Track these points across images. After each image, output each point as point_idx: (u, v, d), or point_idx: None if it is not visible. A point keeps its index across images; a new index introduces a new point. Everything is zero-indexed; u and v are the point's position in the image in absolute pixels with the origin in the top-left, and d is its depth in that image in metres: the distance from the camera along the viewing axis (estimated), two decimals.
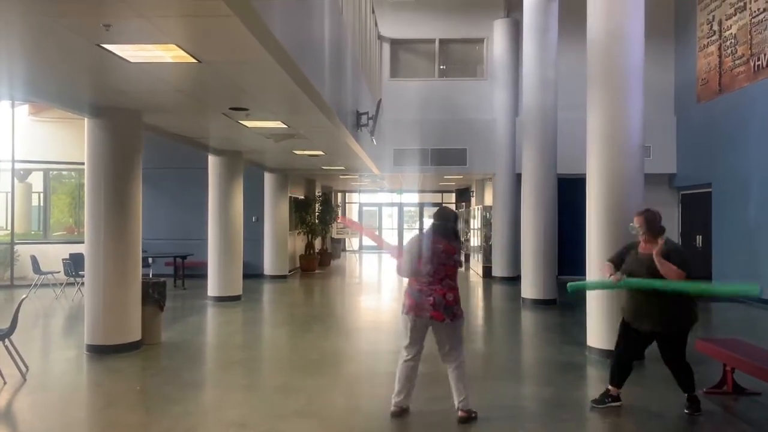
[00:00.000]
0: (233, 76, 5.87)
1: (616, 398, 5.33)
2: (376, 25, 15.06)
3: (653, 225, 5.10)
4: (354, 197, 30.11)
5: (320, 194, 21.40)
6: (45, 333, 9.27)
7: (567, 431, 4.94)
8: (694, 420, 5.09)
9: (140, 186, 7.75)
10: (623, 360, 5.31)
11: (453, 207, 28.59)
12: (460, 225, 5.49)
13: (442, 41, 16.74)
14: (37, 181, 14.78)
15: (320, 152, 11.89)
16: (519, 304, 11.56)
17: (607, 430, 5.05)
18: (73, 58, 5.25)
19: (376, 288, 15.61)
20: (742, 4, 12.56)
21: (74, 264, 11.61)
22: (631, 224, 5.28)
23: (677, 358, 5.13)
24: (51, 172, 14.83)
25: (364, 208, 30.10)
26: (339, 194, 28.43)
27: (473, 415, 4.98)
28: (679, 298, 4.95)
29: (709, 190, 13.90)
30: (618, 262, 5.35)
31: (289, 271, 16.68)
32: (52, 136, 14.04)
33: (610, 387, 5.36)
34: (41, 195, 14.73)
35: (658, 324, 5.02)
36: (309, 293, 14.18)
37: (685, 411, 5.15)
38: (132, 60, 5.15)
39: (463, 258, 5.13)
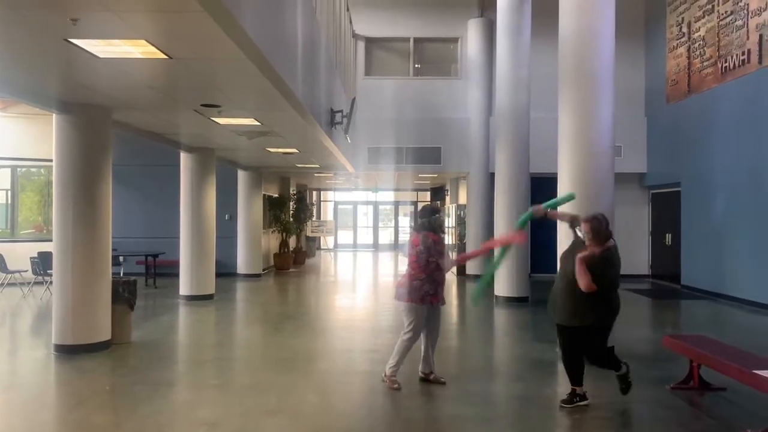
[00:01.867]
0: (205, 73, 5.82)
1: (583, 397, 5.37)
2: (350, 22, 15.04)
3: (599, 233, 5.16)
4: (329, 195, 30.06)
5: (295, 192, 21.32)
6: (12, 333, 9.10)
7: (537, 427, 4.99)
8: (658, 414, 5.18)
9: (110, 183, 7.64)
10: (569, 360, 5.37)
11: (419, 207, 28.85)
12: (441, 215, 6.04)
13: (416, 40, 16.78)
14: (4, 178, 14.47)
15: (294, 150, 11.84)
16: (492, 301, 11.64)
17: (574, 426, 5.11)
18: (40, 52, 5.15)
19: (350, 286, 15.60)
20: (710, 6, 12.80)
21: (42, 262, 11.41)
22: (578, 228, 5.38)
23: (600, 353, 5.25)
24: (19, 169, 14.53)
25: (339, 207, 30.05)
26: (314, 192, 28.34)
27: (391, 384, 5.74)
28: (600, 300, 5.07)
29: (679, 189, 14.16)
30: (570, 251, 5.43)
31: (263, 270, 16.59)
32: (20, 132, 13.75)
33: (574, 387, 5.40)
34: (8, 192, 14.42)
35: (577, 319, 5.13)
36: (283, 292, 14.11)
37: (621, 392, 5.33)
38: (101, 55, 5.07)
39: (430, 245, 5.66)
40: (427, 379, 5.98)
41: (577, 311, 5.14)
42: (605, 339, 5.26)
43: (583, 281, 4.98)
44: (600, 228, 5.16)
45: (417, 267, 5.73)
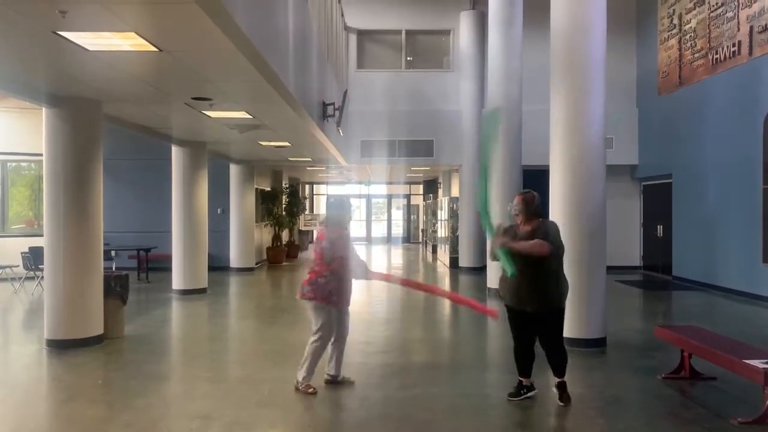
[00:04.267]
0: (195, 66, 5.79)
1: (530, 388, 5.32)
2: (342, 15, 15.00)
3: (530, 206, 5.11)
4: (322, 189, 30.02)
5: (287, 186, 21.27)
6: (4, 328, 9.06)
7: (530, 418, 5.01)
8: (649, 404, 5.22)
9: (101, 177, 7.60)
10: (520, 349, 5.30)
11: (412, 199, 28.85)
12: (351, 209, 5.68)
13: (408, 32, 16.75)
14: None
15: (286, 143, 11.82)
16: (485, 293, 11.67)
17: (568, 416, 5.14)
18: (29, 45, 5.11)
19: None
20: None
21: (34, 257, 11.35)
22: (510, 203, 5.29)
23: (556, 338, 5.15)
24: (9, 164, 14.43)
25: (332, 200, 29.98)
26: (306, 186, 28.30)
27: (303, 389, 5.42)
28: (554, 280, 5.01)
29: (670, 180, 14.22)
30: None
31: (256, 264, 16.57)
32: (9, 126, 13.65)
33: (521, 378, 5.34)
34: None
35: (537, 303, 5.01)
36: (276, 285, 14.11)
37: (559, 401, 5.15)
38: (90, 48, 5.04)
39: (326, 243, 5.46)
40: (334, 382, 5.67)
41: (546, 296, 5.01)
42: (562, 321, 5.19)
43: (533, 247, 4.87)
44: (532, 201, 5.11)
45: (321, 264, 5.41)
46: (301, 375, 5.46)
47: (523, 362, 5.31)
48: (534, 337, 5.25)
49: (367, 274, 5.68)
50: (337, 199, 5.83)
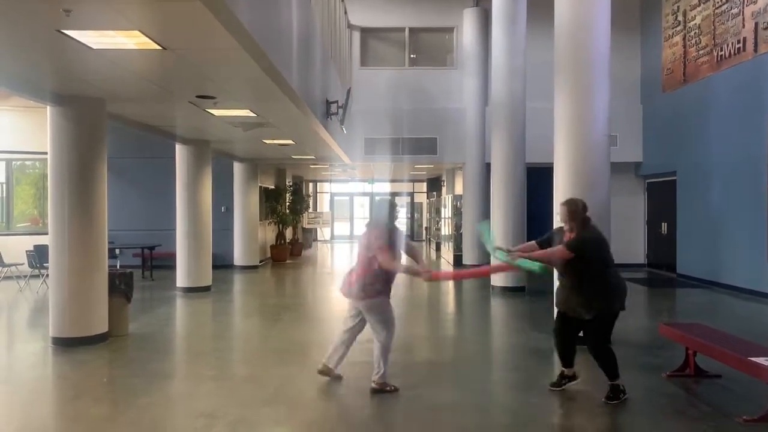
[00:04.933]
0: (199, 64, 5.79)
1: (572, 378, 5.46)
2: (345, 13, 14.98)
3: (574, 215, 5.18)
4: (325, 187, 30.02)
5: (291, 184, 21.28)
6: (9, 326, 9.09)
7: (536, 415, 5.01)
8: (655, 401, 5.21)
9: (105, 176, 7.61)
10: (561, 342, 5.41)
11: (416, 197, 28.85)
12: (396, 211, 5.65)
13: (412, 30, 16.73)
14: None
15: (290, 141, 11.81)
16: (489, 291, 11.66)
17: (573, 413, 5.14)
18: (33, 44, 5.12)
19: None
20: None
21: (39, 256, 11.37)
22: (557, 212, 5.39)
23: (597, 344, 5.16)
24: (14, 163, 14.46)
25: (336, 198, 30.02)
26: (310, 184, 28.30)
27: (387, 388, 5.38)
28: (596, 286, 5.09)
29: (674, 178, 14.18)
30: (545, 244, 5.40)
31: (260, 262, 16.59)
32: (14, 125, 13.68)
33: (564, 369, 5.48)
34: (4, 186, 14.36)
35: (579, 309, 5.12)
36: (280, 283, 14.12)
37: (603, 399, 5.15)
38: (94, 46, 5.04)
39: (384, 243, 5.41)
40: (328, 374, 5.68)
41: (583, 303, 5.10)
42: (609, 327, 5.20)
43: (554, 254, 5.02)
44: (575, 210, 5.17)
45: (367, 264, 5.38)
46: (379, 377, 5.41)
47: (563, 354, 5.42)
48: (573, 334, 5.36)
49: (418, 272, 5.64)
50: (382, 200, 5.75)
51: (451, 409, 5.08)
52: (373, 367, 5.46)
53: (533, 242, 5.55)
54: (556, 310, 5.56)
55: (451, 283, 13.55)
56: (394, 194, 27.07)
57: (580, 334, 5.33)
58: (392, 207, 5.61)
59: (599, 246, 5.17)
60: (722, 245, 12.12)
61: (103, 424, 4.77)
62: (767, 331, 8.15)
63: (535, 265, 5.09)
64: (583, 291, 5.12)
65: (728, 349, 5.19)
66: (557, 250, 5.06)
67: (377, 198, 5.83)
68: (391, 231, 5.49)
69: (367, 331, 5.65)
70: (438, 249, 21.02)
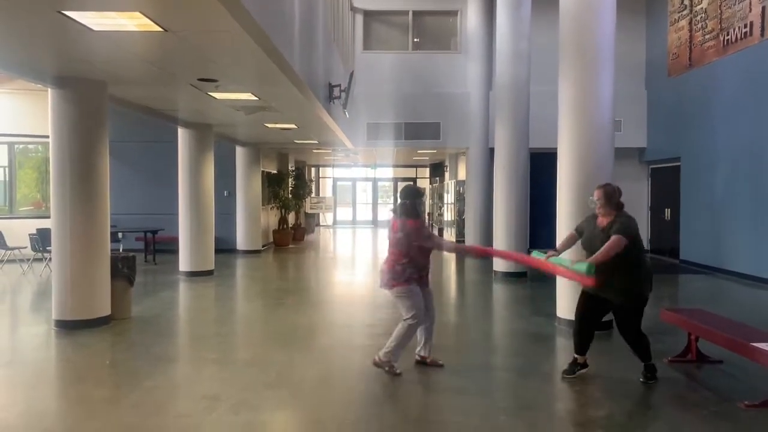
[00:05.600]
0: (201, 46, 5.75)
1: (584, 365, 5.46)
2: None
3: (611, 199, 5.20)
4: (328, 172, 29.97)
5: (293, 169, 21.24)
6: (12, 309, 9.12)
7: (537, 400, 5.02)
8: (656, 387, 5.21)
9: (107, 159, 7.60)
10: (584, 328, 5.41)
11: (419, 183, 28.82)
12: (424, 198, 5.64)
13: (415, 13, 16.59)
14: (2, 155, 14.39)
15: (292, 125, 11.77)
16: (491, 276, 11.66)
17: (575, 398, 5.14)
18: (33, 25, 5.07)
19: (350, 263, 15.63)
20: None
21: (41, 239, 11.40)
22: (591, 197, 5.37)
23: (633, 329, 5.23)
24: (16, 146, 14.45)
25: (338, 183, 29.99)
26: (313, 169, 28.26)
27: (387, 368, 5.45)
28: (635, 271, 5.09)
29: (678, 164, 14.11)
30: (581, 231, 5.46)
31: (263, 246, 16.60)
32: (16, 109, 13.65)
33: (576, 356, 5.47)
34: (6, 169, 14.36)
35: (617, 294, 5.14)
36: (282, 268, 14.14)
37: (640, 379, 5.27)
38: (95, 28, 5.00)
39: (415, 230, 5.42)
40: (423, 363, 5.75)
41: (621, 288, 5.11)
42: (641, 312, 5.23)
43: (612, 251, 4.95)
44: (613, 194, 5.21)
45: (398, 252, 5.44)
46: (385, 354, 5.46)
47: (581, 341, 5.42)
48: (596, 321, 5.41)
49: (453, 248, 6.21)
50: (408, 187, 5.67)
51: (453, 392, 5.09)
52: (385, 344, 5.55)
53: (572, 232, 5.58)
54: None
55: (453, 268, 13.58)
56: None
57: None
58: (418, 195, 5.59)
59: (634, 226, 5.20)
60: (725, 231, 12.08)
61: (106, 406, 4.79)
62: None
63: (583, 266, 4.96)
64: (622, 276, 5.07)
65: (730, 334, 5.18)
66: (613, 243, 4.95)
67: (403, 186, 5.83)
68: (422, 220, 5.61)
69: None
70: (440, 235, 21.02)
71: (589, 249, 5.24)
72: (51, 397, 5.20)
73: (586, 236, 5.35)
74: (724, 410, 4.67)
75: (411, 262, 5.43)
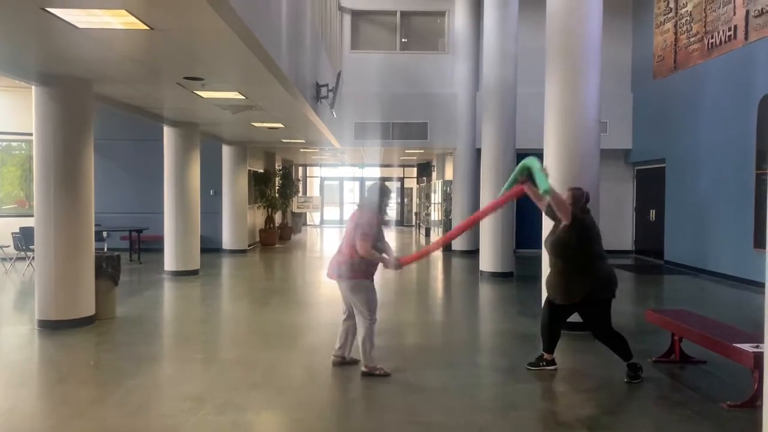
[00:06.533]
0: (187, 45, 5.71)
1: (551, 362, 5.62)
2: None
3: (577, 203, 5.34)
4: (315, 171, 29.91)
5: (280, 168, 21.18)
6: None
7: (522, 400, 5.03)
8: (640, 387, 5.25)
9: (92, 158, 7.53)
10: (548, 329, 5.56)
11: (406, 182, 28.83)
12: (389, 198, 5.57)
13: (403, 13, 16.60)
14: None
15: (279, 124, 11.74)
16: (477, 276, 11.70)
17: (558, 397, 5.17)
18: (17, 22, 5.02)
19: None
20: None
21: (25, 238, 11.28)
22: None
23: (601, 330, 5.38)
24: (0, 144, 14.31)
25: (325, 182, 29.94)
26: (300, 168, 28.19)
27: (377, 372, 5.42)
28: (590, 273, 5.25)
29: (663, 165, 14.23)
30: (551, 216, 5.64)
31: (249, 246, 16.54)
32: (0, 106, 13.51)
33: (543, 353, 5.64)
34: None
35: (567, 296, 5.32)
36: (268, 267, 14.10)
37: (625, 379, 5.33)
38: (80, 25, 4.95)
39: (367, 224, 5.30)
40: (343, 361, 5.69)
41: (568, 289, 5.30)
42: (604, 313, 5.35)
43: (562, 205, 5.20)
44: (580, 197, 5.36)
45: (353, 245, 5.34)
46: (365, 360, 5.44)
47: (548, 340, 5.58)
48: (558, 322, 5.56)
49: (396, 264, 5.50)
50: (375, 185, 5.65)
51: (438, 391, 5.10)
52: (359, 352, 5.48)
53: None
54: (544, 296, 5.64)
55: (440, 268, 13.60)
56: (385, 180, 27.03)
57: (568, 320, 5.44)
58: (385, 193, 5.58)
59: (593, 230, 5.34)
60: (709, 233, 12.20)
61: (90, 406, 4.75)
62: (752, 318, 8.21)
63: (546, 184, 4.94)
64: (573, 276, 5.26)
65: (713, 335, 5.23)
66: (568, 205, 5.22)
67: (371, 183, 5.80)
68: (380, 219, 5.51)
69: (341, 314, 5.65)
70: (428, 234, 21.05)
71: (550, 248, 5.45)
72: (34, 398, 5.15)
73: (549, 235, 5.56)
74: (706, 410, 4.71)
75: (365, 258, 5.34)
